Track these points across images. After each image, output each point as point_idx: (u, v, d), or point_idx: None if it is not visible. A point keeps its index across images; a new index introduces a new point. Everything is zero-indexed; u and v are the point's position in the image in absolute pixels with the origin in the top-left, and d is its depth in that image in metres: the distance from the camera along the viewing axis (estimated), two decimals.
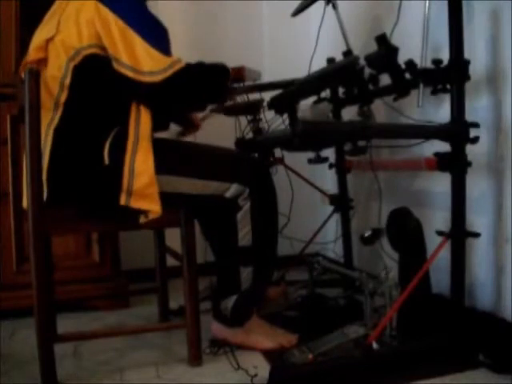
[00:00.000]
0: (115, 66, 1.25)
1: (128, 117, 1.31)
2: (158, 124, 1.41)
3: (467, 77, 1.36)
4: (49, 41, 1.32)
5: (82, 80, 1.29)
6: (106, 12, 1.25)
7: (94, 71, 1.29)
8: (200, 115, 1.75)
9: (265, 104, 1.54)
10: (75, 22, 1.28)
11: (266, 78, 1.79)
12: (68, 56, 1.28)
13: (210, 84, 1.40)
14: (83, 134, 1.30)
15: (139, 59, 1.25)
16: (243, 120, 1.85)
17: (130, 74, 1.25)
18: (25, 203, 1.36)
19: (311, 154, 1.56)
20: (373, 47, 1.50)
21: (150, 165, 1.29)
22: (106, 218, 1.36)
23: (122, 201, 1.27)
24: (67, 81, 1.29)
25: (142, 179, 1.27)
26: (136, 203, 1.28)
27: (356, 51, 1.75)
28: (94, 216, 1.34)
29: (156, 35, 1.30)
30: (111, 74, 1.26)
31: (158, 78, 1.25)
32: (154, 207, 1.29)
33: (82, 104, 1.31)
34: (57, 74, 1.30)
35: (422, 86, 1.39)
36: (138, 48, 1.25)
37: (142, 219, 1.31)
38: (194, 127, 1.74)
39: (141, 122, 1.31)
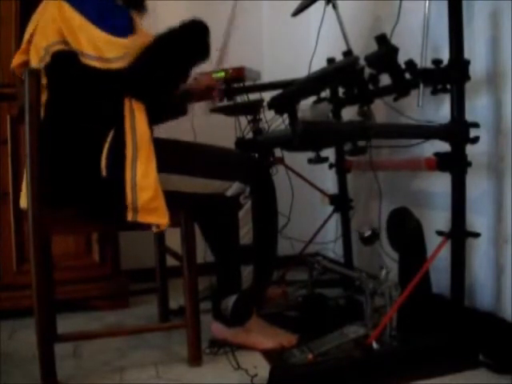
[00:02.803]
0: (82, 59, 1.24)
1: (122, 118, 1.27)
2: (155, 117, 1.37)
3: (467, 77, 1.36)
4: (28, 43, 1.33)
5: (56, 79, 1.28)
6: (66, 8, 1.25)
7: (65, 68, 1.27)
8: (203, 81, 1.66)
9: (265, 104, 1.54)
10: (43, 22, 1.28)
11: (266, 78, 1.80)
12: (39, 57, 1.27)
13: (185, 47, 1.32)
14: (71, 139, 1.28)
15: (102, 48, 1.22)
16: (243, 120, 1.85)
17: (96, 64, 1.23)
18: (22, 203, 1.36)
19: (311, 154, 1.56)
20: (373, 47, 1.50)
21: (153, 177, 1.25)
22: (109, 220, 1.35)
23: (129, 217, 1.25)
24: (44, 81, 1.28)
25: (145, 194, 1.24)
26: (143, 218, 1.25)
27: (356, 51, 1.74)
28: (97, 219, 1.34)
29: (118, 24, 1.27)
30: (81, 68, 1.24)
31: (125, 62, 1.23)
32: (161, 221, 1.26)
33: (63, 105, 1.29)
34: None
35: (421, 85, 1.39)
36: (100, 38, 1.22)
37: (155, 229, 1.29)
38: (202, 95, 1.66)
39: (137, 125, 1.27)
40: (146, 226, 1.29)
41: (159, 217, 1.26)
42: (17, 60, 1.34)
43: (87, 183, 1.27)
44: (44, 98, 1.29)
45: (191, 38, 1.33)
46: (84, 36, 1.23)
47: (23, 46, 1.34)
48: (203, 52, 1.35)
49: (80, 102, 1.29)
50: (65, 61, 1.26)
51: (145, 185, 1.24)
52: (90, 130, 1.28)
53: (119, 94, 1.28)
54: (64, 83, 1.29)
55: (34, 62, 1.30)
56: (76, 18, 1.24)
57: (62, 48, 1.26)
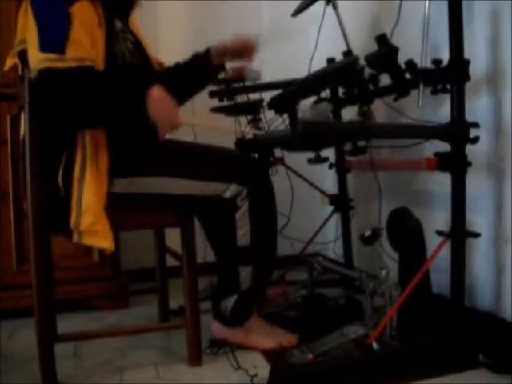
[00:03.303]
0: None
1: (74, 137, 1.23)
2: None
3: (467, 77, 1.36)
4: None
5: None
6: (28, 6, 1.21)
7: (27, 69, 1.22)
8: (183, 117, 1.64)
9: (265, 104, 1.54)
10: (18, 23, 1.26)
11: (266, 78, 1.79)
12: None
13: (88, 102, 1.19)
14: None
15: (31, 54, 1.18)
16: (243, 120, 1.85)
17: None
18: None
19: (311, 154, 1.56)
20: (373, 47, 1.50)
21: (96, 199, 1.22)
22: None
23: (74, 239, 1.24)
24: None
25: (87, 217, 1.22)
26: (87, 241, 1.24)
27: (356, 51, 1.74)
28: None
29: (52, 30, 1.18)
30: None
31: (33, 75, 1.17)
32: (103, 244, 1.24)
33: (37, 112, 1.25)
34: None
35: (421, 85, 1.39)
36: (33, 44, 1.17)
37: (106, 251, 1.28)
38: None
39: (86, 143, 1.23)
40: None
41: (100, 239, 1.24)
42: (8, 64, 1.32)
43: (48, 199, 1.26)
44: None
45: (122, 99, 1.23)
46: (30, 37, 1.19)
47: (13, 50, 1.31)
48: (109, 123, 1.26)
49: (45, 116, 1.25)
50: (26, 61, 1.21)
51: (87, 207, 1.22)
52: (50, 145, 1.26)
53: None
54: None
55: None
56: (30, 18, 1.20)
57: (25, 47, 1.22)
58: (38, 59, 1.15)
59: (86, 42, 1.20)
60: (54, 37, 1.17)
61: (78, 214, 1.22)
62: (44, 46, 1.15)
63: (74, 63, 1.16)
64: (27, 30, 1.20)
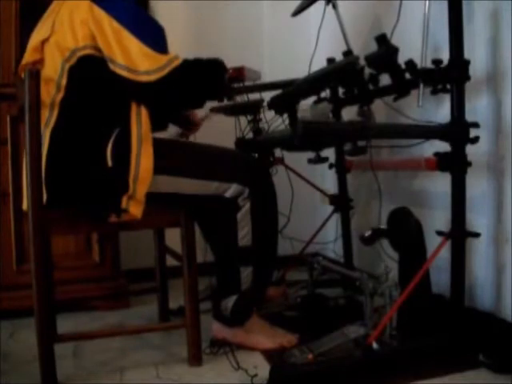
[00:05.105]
0: (111, 66, 1.25)
1: (128, 118, 1.30)
2: (157, 124, 1.40)
3: (467, 77, 1.36)
4: (44, 42, 1.32)
5: (77, 81, 1.29)
6: (99, 12, 1.25)
7: (90, 72, 1.28)
8: (199, 115, 1.73)
9: (265, 104, 1.54)
10: (70, 22, 1.27)
11: (266, 78, 1.80)
12: (63, 57, 1.27)
13: (207, 80, 1.39)
14: (81, 135, 1.29)
15: (134, 59, 1.24)
16: (243, 120, 1.85)
17: (125, 74, 1.24)
18: (25, 205, 1.36)
19: (311, 154, 1.56)
20: (373, 47, 1.50)
21: (151, 172, 1.30)
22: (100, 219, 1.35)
23: (124, 204, 1.28)
24: (63, 82, 1.28)
25: (144, 187, 1.29)
26: (132, 208, 1.29)
27: (356, 51, 1.74)
28: (89, 217, 1.34)
29: (151, 34, 1.30)
30: (107, 74, 1.26)
31: (154, 77, 1.25)
32: (140, 214, 1.30)
33: (78, 105, 1.30)
34: (53, 74, 1.29)
35: (422, 85, 1.39)
36: (133, 48, 1.24)
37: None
38: (194, 126, 1.74)
39: (142, 122, 1.31)
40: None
41: (141, 210, 1.30)
42: (31, 57, 1.34)
43: (90, 175, 1.29)
44: (59, 98, 1.30)
45: (215, 75, 1.41)
46: (117, 43, 1.24)
47: (37, 44, 1.33)
48: (220, 93, 1.50)
49: (94, 103, 1.30)
50: (91, 65, 1.27)
51: (145, 178, 1.29)
52: (96, 127, 1.30)
53: (135, 100, 1.31)
54: (85, 86, 1.30)
55: (54, 61, 1.29)
56: (107, 21, 1.24)
57: (91, 53, 1.26)
58: (162, 62, 1.26)
59: None
60: (157, 39, 1.31)
61: (136, 182, 1.28)
62: (158, 49, 1.27)
63: (180, 57, 1.30)
64: (105, 36, 1.24)
